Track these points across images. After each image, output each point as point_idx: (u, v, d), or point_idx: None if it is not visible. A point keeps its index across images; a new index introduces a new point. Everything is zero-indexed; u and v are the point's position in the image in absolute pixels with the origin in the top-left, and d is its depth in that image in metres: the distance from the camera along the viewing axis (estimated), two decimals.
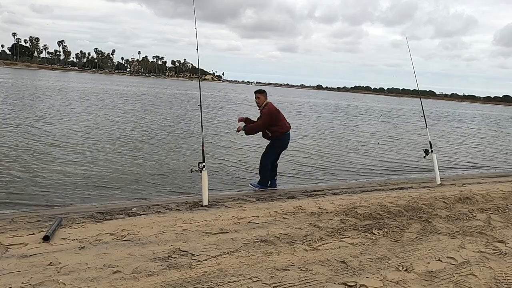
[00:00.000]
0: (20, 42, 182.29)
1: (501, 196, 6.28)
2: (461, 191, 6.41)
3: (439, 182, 7.61)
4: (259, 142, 13.49)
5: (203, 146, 5.63)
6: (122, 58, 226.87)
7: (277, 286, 2.92)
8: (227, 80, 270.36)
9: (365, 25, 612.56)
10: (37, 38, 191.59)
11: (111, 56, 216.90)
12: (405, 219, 4.77)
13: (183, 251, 3.48)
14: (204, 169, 5.46)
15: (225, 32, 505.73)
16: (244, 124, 6.74)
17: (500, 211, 5.41)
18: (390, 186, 7.57)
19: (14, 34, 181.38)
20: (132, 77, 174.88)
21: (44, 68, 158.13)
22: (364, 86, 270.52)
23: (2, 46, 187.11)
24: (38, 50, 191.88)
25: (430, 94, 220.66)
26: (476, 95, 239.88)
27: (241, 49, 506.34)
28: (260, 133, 6.75)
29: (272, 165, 6.84)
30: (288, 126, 6.77)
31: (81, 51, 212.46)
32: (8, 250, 3.39)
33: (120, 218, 4.52)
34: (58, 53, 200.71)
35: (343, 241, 3.93)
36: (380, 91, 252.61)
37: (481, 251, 3.82)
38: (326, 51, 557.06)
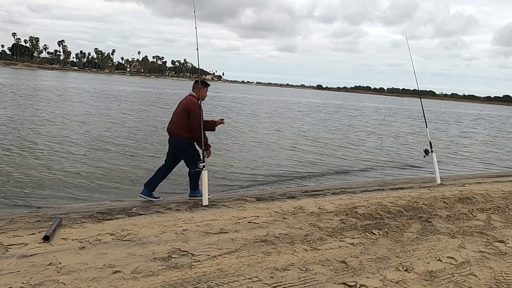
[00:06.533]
0: (20, 42, 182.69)
1: (501, 196, 6.28)
2: (461, 191, 6.40)
3: (439, 182, 7.60)
4: (260, 141, 13.51)
5: (203, 146, 5.63)
6: (122, 58, 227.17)
7: (277, 286, 2.92)
8: (227, 80, 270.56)
9: (365, 24, 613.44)
10: (37, 38, 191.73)
11: (111, 56, 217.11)
12: (405, 219, 4.77)
13: (183, 251, 3.48)
14: (204, 169, 5.46)
15: (225, 32, 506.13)
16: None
17: (500, 211, 5.41)
18: (390, 186, 7.57)
19: (14, 34, 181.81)
20: (132, 77, 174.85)
21: (44, 68, 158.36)
22: (364, 86, 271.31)
23: (2, 46, 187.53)
24: (38, 50, 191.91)
25: (430, 94, 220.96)
26: (476, 95, 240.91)
27: (241, 49, 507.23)
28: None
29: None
30: (168, 127, 6.14)
31: (81, 51, 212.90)
32: (8, 250, 3.39)
33: (120, 218, 4.52)
34: (58, 53, 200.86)
35: (343, 241, 3.93)
36: (380, 91, 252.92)
37: (481, 251, 3.82)
38: (326, 51, 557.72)
